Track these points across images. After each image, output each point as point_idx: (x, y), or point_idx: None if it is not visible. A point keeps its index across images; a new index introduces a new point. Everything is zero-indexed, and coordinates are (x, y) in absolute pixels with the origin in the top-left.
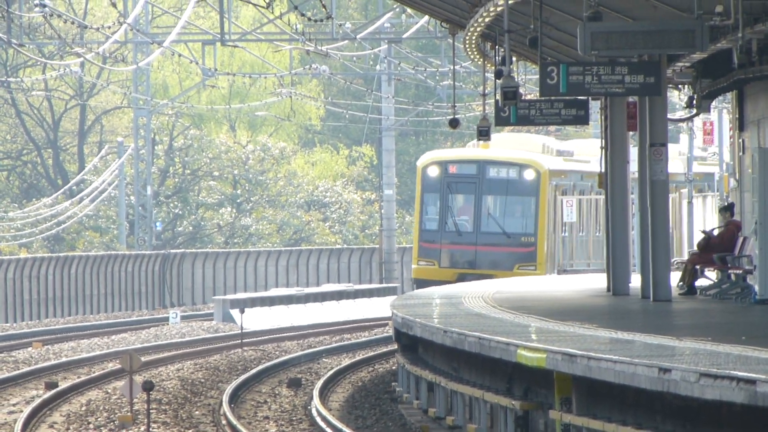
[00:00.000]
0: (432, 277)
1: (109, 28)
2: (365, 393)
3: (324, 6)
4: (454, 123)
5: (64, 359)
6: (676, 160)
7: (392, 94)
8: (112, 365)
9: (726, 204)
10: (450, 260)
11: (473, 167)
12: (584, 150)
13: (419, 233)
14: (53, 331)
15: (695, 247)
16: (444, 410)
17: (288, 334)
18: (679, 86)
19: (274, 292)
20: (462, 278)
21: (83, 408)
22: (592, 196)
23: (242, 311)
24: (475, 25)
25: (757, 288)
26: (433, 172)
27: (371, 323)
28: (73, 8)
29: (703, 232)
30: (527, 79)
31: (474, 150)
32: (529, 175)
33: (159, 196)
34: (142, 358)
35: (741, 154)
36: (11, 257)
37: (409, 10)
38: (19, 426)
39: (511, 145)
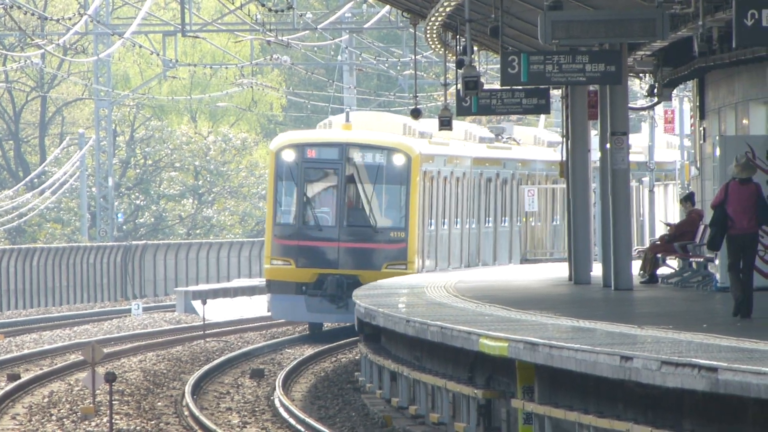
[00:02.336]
0: (288, 278)
1: (70, 19)
2: (328, 383)
3: None
4: (416, 113)
5: (26, 351)
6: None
7: (354, 84)
8: (75, 357)
9: (686, 194)
10: (309, 259)
11: (335, 151)
12: (440, 131)
13: (272, 228)
14: (15, 323)
15: (656, 237)
16: (407, 400)
17: (250, 325)
18: (640, 75)
19: (236, 283)
20: (322, 279)
21: (46, 400)
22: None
23: (204, 302)
24: (437, 14)
25: (718, 276)
26: (289, 156)
27: None
28: (34, 0)
29: (666, 224)
30: (488, 68)
31: (336, 132)
32: (398, 160)
33: (120, 187)
34: (105, 350)
35: (702, 142)
36: None
37: (370, 0)
38: None
39: (372, 125)
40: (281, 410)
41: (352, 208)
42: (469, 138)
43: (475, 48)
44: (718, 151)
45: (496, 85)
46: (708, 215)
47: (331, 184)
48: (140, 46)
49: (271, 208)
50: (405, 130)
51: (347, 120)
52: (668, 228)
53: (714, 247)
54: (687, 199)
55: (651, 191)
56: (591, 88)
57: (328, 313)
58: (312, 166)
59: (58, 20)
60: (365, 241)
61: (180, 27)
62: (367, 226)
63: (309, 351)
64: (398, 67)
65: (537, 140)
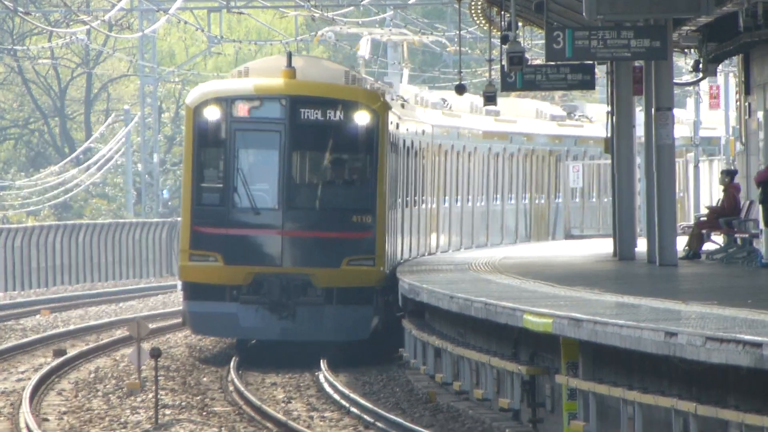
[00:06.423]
0: (213, 279)
1: None
2: (373, 359)
3: None
4: (460, 89)
5: (72, 327)
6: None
7: (398, 60)
8: (120, 332)
9: (728, 169)
10: (242, 254)
11: (275, 107)
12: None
13: (191, 212)
14: (61, 299)
15: (701, 212)
16: (451, 376)
17: None
18: (685, 50)
19: None
20: (260, 281)
21: (91, 375)
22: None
23: None
24: None
25: (763, 251)
26: (213, 114)
27: None
28: None
29: (708, 207)
30: (533, 44)
31: (275, 81)
32: (362, 118)
33: (166, 163)
34: (150, 325)
35: (747, 117)
36: (19, 226)
37: None
38: (27, 393)
39: (311, 72)
40: (326, 386)
41: (300, 184)
42: (540, 116)
43: (520, 24)
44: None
45: (541, 61)
46: (752, 191)
47: (270, 152)
48: (185, 23)
49: (188, 185)
50: (347, 78)
51: (289, 64)
52: (708, 210)
53: None
54: (728, 174)
55: (696, 167)
56: (636, 63)
57: (269, 327)
58: (245, 128)
59: None
60: (318, 228)
61: (225, 3)
62: (321, 208)
63: None
64: (443, 43)
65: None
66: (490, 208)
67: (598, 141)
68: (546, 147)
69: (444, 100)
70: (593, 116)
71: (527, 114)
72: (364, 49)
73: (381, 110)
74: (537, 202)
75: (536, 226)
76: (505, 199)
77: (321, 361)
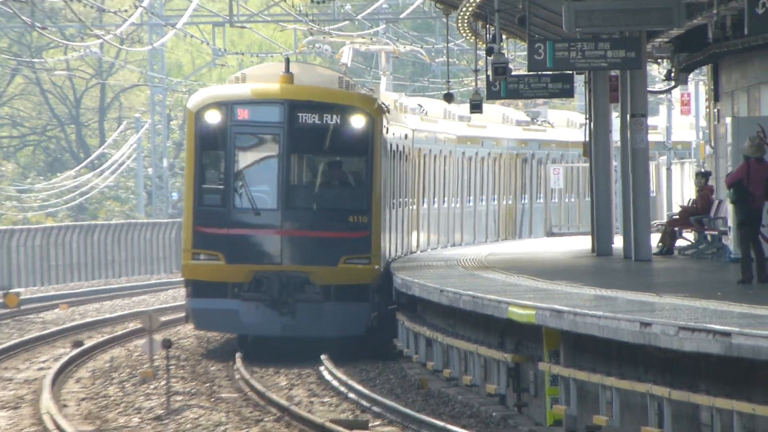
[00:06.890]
0: (215, 277)
1: (126, 11)
2: (369, 350)
3: None
4: (448, 97)
5: (88, 319)
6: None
7: (390, 70)
8: (133, 325)
9: (703, 171)
10: (242, 253)
11: (275, 110)
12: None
13: (193, 212)
14: (78, 294)
15: (674, 211)
16: (441, 364)
17: None
18: (658, 60)
19: None
20: (260, 279)
21: (107, 364)
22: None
23: None
24: (468, 5)
25: (731, 248)
26: (213, 118)
27: None
28: None
29: (681, 207)
30: (516, 55)
31: (274, 86)
32: (358, 121)
33: (174, 167)
34: (161, 318)
35: (716, 123)
36: (38, 226)
37: None
38: (48, 381)
39: (307, 78)
40: (326, 374)
41: (298, 185)
42: (506, 121)
43: (504, 36)
44: (731, 132)
45: (524, 71)
46: (720, 191)
47: (270, 155)
48: (191, 36)
49: (191, 187)
50: (341, 83)
51: (287, 70)
52: (681, 209)
53: (755, 224)
54: (702, 176)
55: (668, 169)
56: (612, 73)
57: (269, 323)
58: (245, 131)
59: (115, 12)
60: (316, 228)
61: (228, 18)
62: (319, 208)
63: None
64: (432, 55)
65: (570, 123)
66: (464, 209)
67: (560, 144)
68: (513, 150)
69: (420, 106)
70: (555, 122)
71: (495, 119)
72: (345, 57)
73: (376, 114)
74: (505, 203)
75: (504, 225)
76: (477, 200)
77: (321, 356)
